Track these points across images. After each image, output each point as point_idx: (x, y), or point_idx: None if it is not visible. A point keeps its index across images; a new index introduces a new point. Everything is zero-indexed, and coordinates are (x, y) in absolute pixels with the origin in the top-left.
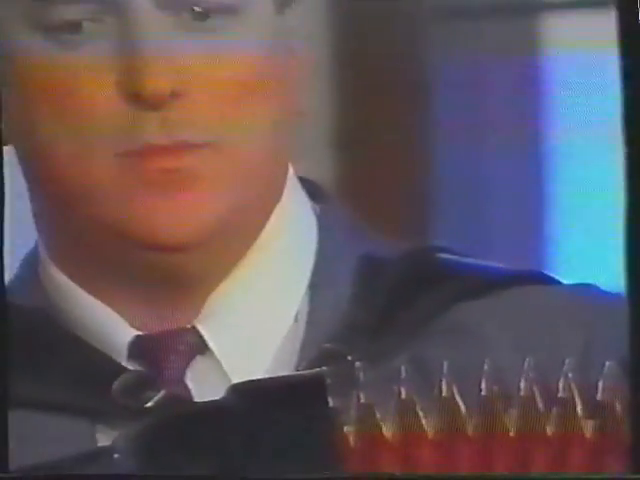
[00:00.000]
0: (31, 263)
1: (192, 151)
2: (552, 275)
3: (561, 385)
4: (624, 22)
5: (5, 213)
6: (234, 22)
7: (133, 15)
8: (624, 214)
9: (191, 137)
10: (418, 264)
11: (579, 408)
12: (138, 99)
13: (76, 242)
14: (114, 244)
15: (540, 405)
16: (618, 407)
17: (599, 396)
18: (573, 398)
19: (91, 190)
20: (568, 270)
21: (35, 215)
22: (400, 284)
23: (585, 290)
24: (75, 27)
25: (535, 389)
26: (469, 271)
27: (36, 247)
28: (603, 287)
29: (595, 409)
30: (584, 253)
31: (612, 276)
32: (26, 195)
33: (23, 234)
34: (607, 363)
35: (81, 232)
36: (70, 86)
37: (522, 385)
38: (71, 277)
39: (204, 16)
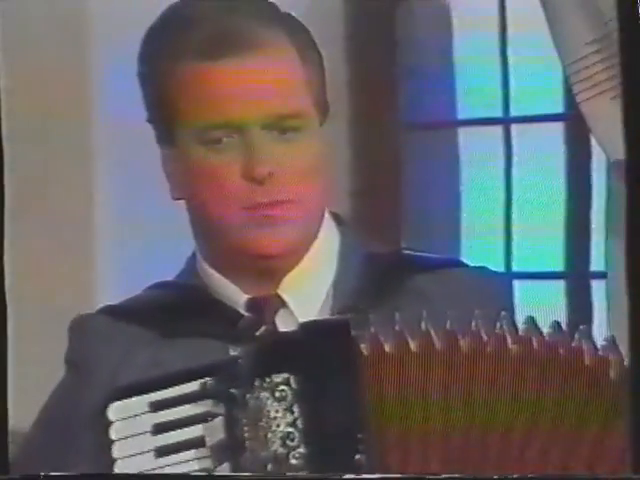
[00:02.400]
0: (191, 261)
1: (281, 205)
2: (465, 261)
3: (497, 325)
4: (625, 28)
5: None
6: (299, 134)
7: (249, 134)
8: (626, 215)
9: (280, 197)
10: (394, 257)
11: (508, 339)
12: (252, 179)
13: (217, 252)
14: (238, 255)
15: (483, 336)
16: (534, 341)
17: (520, 333)
18: (504, 334)
19: (227, 226)
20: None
21: (195, 234)
22: (386, 268)
23: (481, 270)
24: (219, 141)
25: (480, 327)
26: (421, 260)
27: (194, 253)
28: (493, 269)
29: (518, 340)
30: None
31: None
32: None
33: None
34: (526, 316)
35: (220, 247)
36: (216, 172)
37: (472, 324)
38: (214, 268)
39: (284, 131)
